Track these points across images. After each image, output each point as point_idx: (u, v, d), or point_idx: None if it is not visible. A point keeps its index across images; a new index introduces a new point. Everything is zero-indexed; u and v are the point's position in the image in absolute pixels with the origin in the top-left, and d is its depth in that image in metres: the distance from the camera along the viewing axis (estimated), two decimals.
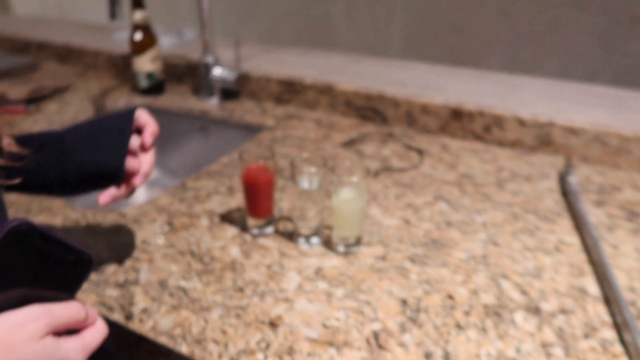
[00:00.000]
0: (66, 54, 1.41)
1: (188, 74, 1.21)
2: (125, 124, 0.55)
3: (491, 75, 1.07)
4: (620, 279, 0.58)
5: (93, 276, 0.60)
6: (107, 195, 0.54)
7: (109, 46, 1.34)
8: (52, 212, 0.73)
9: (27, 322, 0.33)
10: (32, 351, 0.32)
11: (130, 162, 0.54)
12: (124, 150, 0.53)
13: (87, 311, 0.37)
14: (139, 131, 0.57)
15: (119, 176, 0.53)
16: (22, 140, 0.53)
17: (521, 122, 0.87)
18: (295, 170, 0.60)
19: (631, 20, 1.55)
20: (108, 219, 0.71)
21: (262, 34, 2.31)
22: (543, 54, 1.70)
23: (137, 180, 0.55)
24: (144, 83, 1.16)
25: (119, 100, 1.17)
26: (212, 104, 1.11)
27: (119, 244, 0.66)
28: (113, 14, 0.90)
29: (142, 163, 0.56)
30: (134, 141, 0.55)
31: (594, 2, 1.57)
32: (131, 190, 0.55)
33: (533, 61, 1.73)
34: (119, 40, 1.40)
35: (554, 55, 1.69)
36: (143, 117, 0.56)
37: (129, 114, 0.55)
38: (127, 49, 1.30)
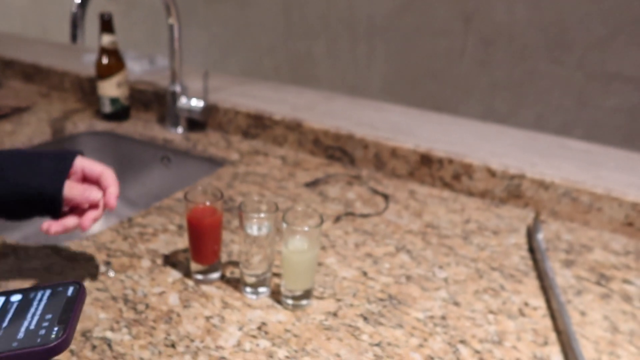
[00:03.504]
0: (32, 73, 1.36)
1: (155, 102, 1.16)
2: (67, 153, 0.54)
3: (464, 123, 1.05)
4: (587, 351, 0.54)
5: None
6: (59, 225, 0.51)
7: (77, 68, 1.30)
8: None
9: None
10: None
11: (74, 190, 0.51)
12: (63, 177, 0.51)
13: None
14: (86, 179, 0.56)
15: (56, 203, 0.50)
16: None
17: (491, 173, 0.84)
18: (243, 215, 0.55)
19: (606, 76, 1.57)
20: (41, 255, 0.64)
21: (244, 67, 2.30)
22: (519, 104, 1.71)
23: (91, 215, 0.53)
24: (107, 108, 1.11)
25: (80, 124, 1.11)
26: (176, 133, 1.07)
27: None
28: (74, 37, 0.86)
29: (107, 197, 0.54)
30: (77, 187, 0.53)
31: (570, 56, 1.60)
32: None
33: (509, 110, 1.74)
34: (88, 62, 1.36)
35: (529, 105, 1.70)
36: (108, 176, 0.55)
37: (71, 151, 0.55)
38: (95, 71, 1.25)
